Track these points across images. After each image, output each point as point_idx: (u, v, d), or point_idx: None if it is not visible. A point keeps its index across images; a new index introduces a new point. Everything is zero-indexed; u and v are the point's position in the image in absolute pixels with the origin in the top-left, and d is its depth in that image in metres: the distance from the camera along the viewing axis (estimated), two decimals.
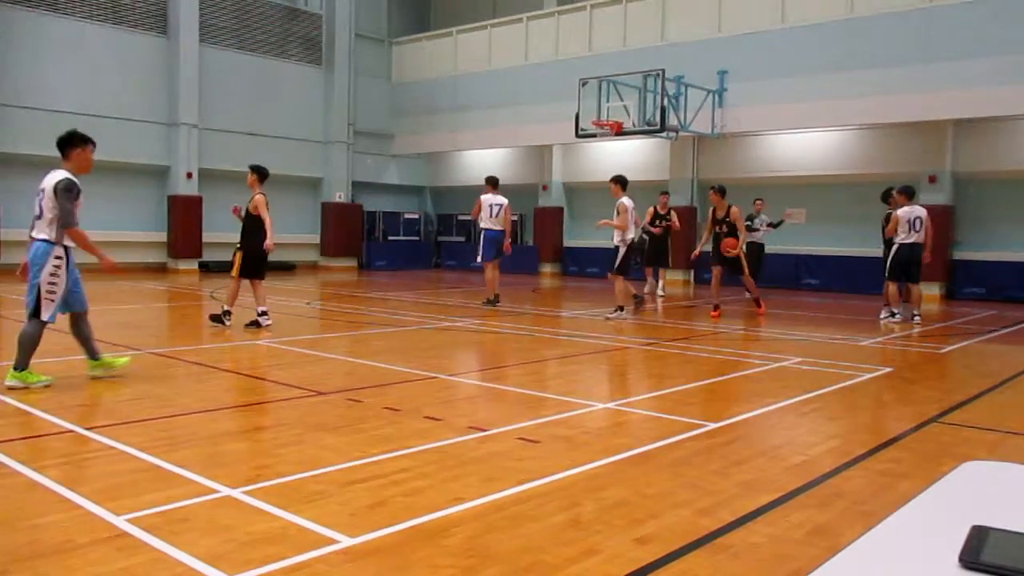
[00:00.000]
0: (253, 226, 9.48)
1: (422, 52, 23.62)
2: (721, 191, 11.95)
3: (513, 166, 23.65)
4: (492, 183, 12.87)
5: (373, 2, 24.18)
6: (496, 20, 21.83)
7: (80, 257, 6.14)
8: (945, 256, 16.12)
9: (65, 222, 5.81)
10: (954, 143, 16.21)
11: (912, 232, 11.00)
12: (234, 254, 9.61)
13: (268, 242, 9.46)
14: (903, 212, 11.06)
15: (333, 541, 3.10)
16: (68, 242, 5.90)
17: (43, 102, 17.80)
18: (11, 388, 5.78)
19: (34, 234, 5.92)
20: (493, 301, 12.68)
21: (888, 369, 7.68)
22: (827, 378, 7.06)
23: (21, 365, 5.83)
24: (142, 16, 19.48)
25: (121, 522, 3.24)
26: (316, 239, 23.31)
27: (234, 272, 9.57)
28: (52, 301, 5.87)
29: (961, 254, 16.35)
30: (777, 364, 7.83)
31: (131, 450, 4.28)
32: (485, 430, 4.91)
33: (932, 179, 16.16)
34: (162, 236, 20.01)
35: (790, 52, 16.23)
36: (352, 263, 23.47)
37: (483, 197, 12.78)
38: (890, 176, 17.05)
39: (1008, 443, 4.99)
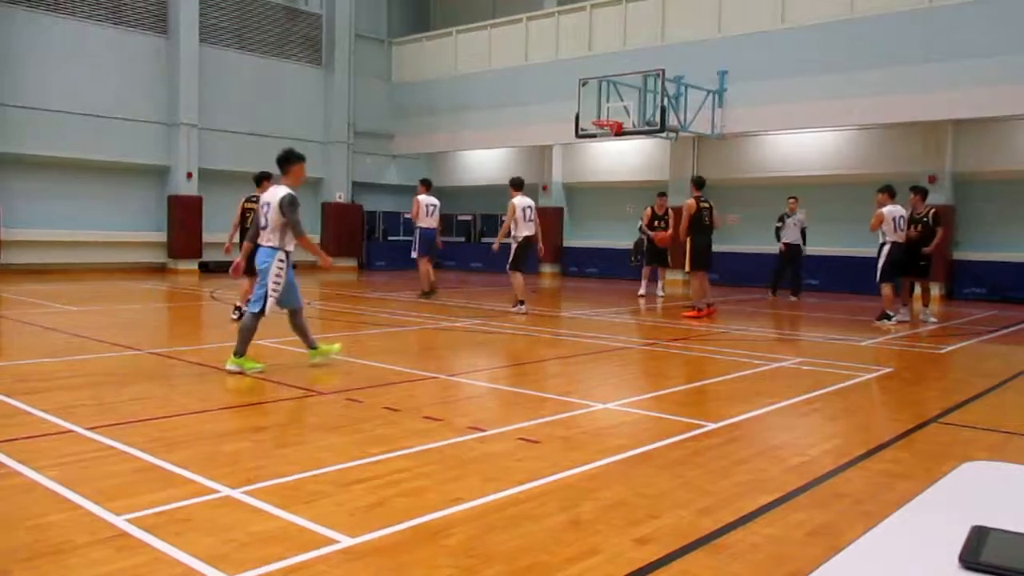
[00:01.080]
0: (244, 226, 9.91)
1: (422, 52, 23.61)
2: (698, 184, 11.95)
3: (513, 166, 23.62)
4: (427, 184, 14.16)
5: (373, 2, 24.18)
6: (496, 20, 21.81)
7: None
8: (945, 256, 16.11)
9: (296, 232, 6.68)
10: (954, 143, 16.21)
11: (898, 231, 11.15)
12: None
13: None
14: (887, 210, 11.13)
15: (333, 541, 3.10)
16: (288, 247, 6.72)
17: (43, 102, 17.80)
18: (231, 372, 6.67)
19: (260, 241, 6.76)
20: (428, 293, 13.80)
21: (888, 369, 7.68)
22: (827, 378, 7.05)
23: (240, 352, 6.70)
24: (142, 16, 19.48)
25: (121, 522, 3.24)
26: (316, 239, 23.28)
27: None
28: (273, 297, 6.70)
29: (961, 254, 16.35)
30: (777, 364, 7.83)
31: (131, 450, 4.28)
32: (485, 430, 4.90)
33: (932, 179, 16.14)
34: (162, 236, 20.00)
35: (790, 52, 16.22)
36: (352, 263, 23.47)
37: (420, 198, 13.76)
38: (890, 176, 17.04)
39: (1008, 444, 4.99)
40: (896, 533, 1.13)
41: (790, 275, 15.40)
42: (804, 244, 15.43)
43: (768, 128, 17.43)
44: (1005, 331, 11.19)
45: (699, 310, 11.77)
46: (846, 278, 17.00)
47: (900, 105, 15.05)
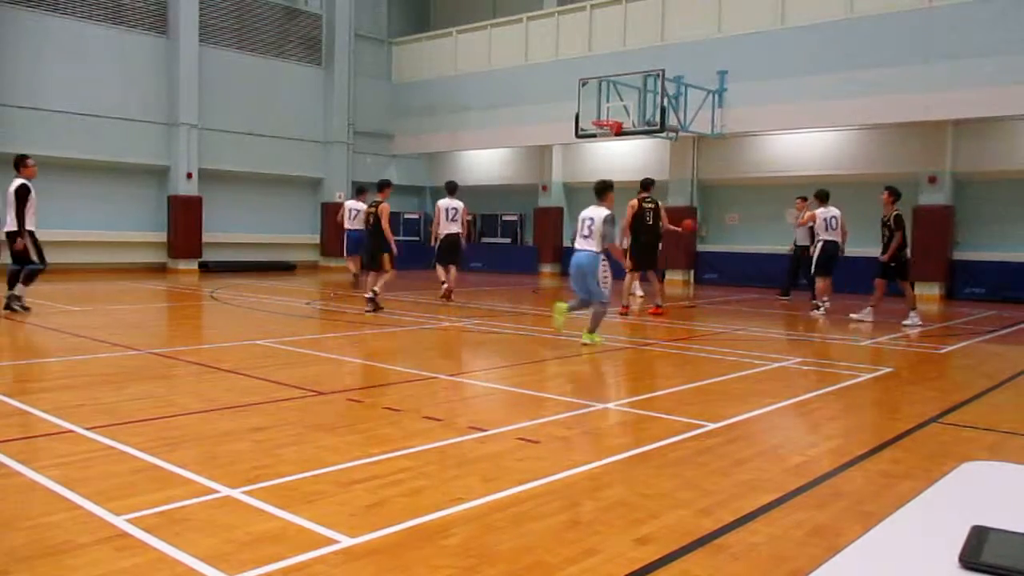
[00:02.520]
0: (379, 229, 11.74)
1: (422, 52, 23.61)
2: (643, 185, 12.38)
3: (513, 166, 23.65)
4: (358, 190, 15.87)
5: (373, 2, 24.18)
6: (496, 20, 21.82)
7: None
8: (945, 256, 16.11)
9: (611, 240, 8.75)
10: (954, 143, 16.21)
11: (830, 230, 12.09)
12: (384, 254, 11.73)
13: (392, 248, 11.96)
14: (820, 212, 12.17)
15: (333, 541, 3.10)
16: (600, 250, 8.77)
17: (43, 102, 17.80)
18: (585, 344, 8.65)
19: (582, 246, 8.78)
20: (357, 283, 15.50)
21: (888, 369, 7.68)
22: (827, 378, 7.05)
23: (593, 329, 8.78)
24: (142, 16, 19.48)
25: (121, 522, 3.24)
26: (316, 239, 23.31)
27: (388, 266, 11.80)
28: (606, 287, 8.71)
29: (961, 254, 16.35)
30: (777, 364, 7.83)
31: (131, 450, 4.28)
32: (485, 430, 4.90)
33: (932, 179, 16.16)
34: (162, 236, 20.00)
35: (790, 52, 16.23)
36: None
37: (347, 203, 15.63)
38: (890, 176, 17.04)
39: (1008, 443, 4.99)
40: (896, 533, 1.13)
41: (789, 275, 15.20)
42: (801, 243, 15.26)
43: (768, 128, 17.43)
44: (1005, 331, 11.19)
45: (625, 307, 12.08)
46: (845, 278, 16.94)
47: (900, 105, 15.05)
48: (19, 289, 10.45)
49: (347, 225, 15.58)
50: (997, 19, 14.00)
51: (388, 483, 3.83)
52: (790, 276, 15.13)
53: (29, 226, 10.15)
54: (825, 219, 12.08)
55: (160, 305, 13.17)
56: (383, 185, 12.14)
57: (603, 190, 8.96)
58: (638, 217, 11.88)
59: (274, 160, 21.64)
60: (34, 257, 10.37)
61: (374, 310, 11.44)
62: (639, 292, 15.25)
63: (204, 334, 10.02)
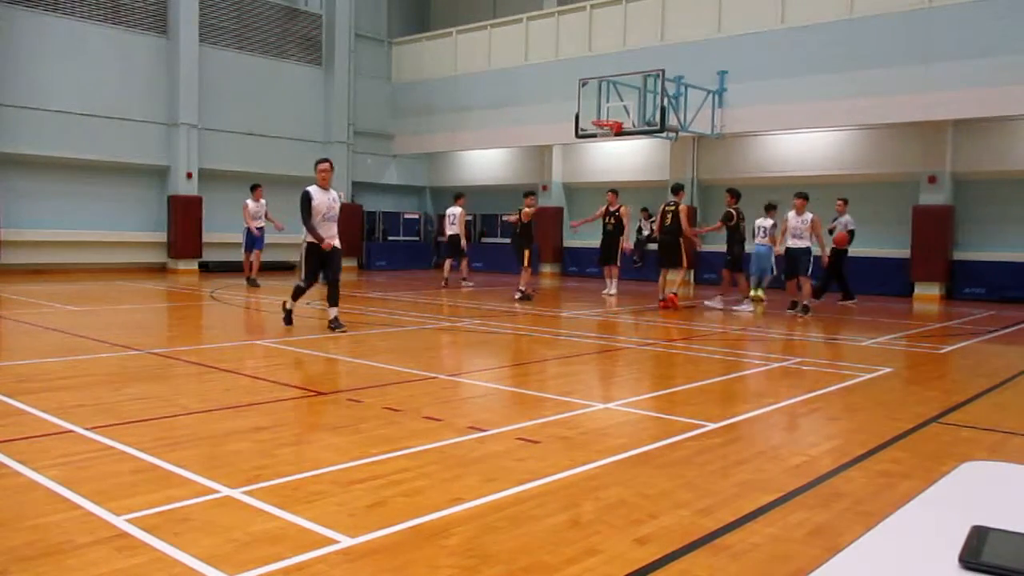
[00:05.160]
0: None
1: (422, 52, 23.60)
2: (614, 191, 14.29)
3: (513, 166, 23.63)
4: (254, 188, 16.32)
5: (373, 2, 24.17)
6: (496, 20, 21.81)
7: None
8: (945, 256, 16.10)
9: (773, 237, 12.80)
10: (954, 143, 16.20)
11: (803, 237, 12.90)
12: (528, 251, 14.12)
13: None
14: (792, 218, 13.09)
15: (333, 541, 3.10)
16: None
17: (43, 102, 17.79)
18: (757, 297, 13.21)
19: (762, 243, 13.05)
20: (253, 280, 15.97)
21: (888, 369, 7.68)
22: (827, 378, 7.05)
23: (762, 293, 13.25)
24: (142, 16, 19.47)
25: (121, 522, 3.24)
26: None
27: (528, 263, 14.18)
28: (774, 268, 12.92)
29: (961, 254, 16.34)
30: (777, 364, 7.83)
31: (131, 450, 4.28)
32: (485, 430, 4.90)
33: (932, 179, 16.15)
34: (162, 236, 19.99)
35: (790, 52, 16.22)
36: (352, 263, 23.46)
37: (248, 202, 15.99)
38: (890, 176, 17.06)
39: (1008, 443, 4.99)
40: (896, 533, 1.13)
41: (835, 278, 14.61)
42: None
43: (768, 128, 17.43)
44: (1005, 331, 11.19)
45: (663, 301, 13.06)
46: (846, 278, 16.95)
47: (900, 105, 15.05)
48: (289, 304, 9.53)
49: (255, 224, 15.95)
50: (997, 19, 14.00)
51: (388, 483, 3.83)
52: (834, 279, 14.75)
53: (320, 236, 9.40)
54: (795, 225, 12.54)
55: (160, 305, 13.17)
56: (528, 194, 14.45)
57: (771, 207, 13.12)
58: (661, 218, 13.58)
59: (274, 160, 21.64)
60: (301, 273, 9.38)
61: (528, 299, 13.54)
62: (613, 290, 15.22)
63: (204, 334, 10.01)
